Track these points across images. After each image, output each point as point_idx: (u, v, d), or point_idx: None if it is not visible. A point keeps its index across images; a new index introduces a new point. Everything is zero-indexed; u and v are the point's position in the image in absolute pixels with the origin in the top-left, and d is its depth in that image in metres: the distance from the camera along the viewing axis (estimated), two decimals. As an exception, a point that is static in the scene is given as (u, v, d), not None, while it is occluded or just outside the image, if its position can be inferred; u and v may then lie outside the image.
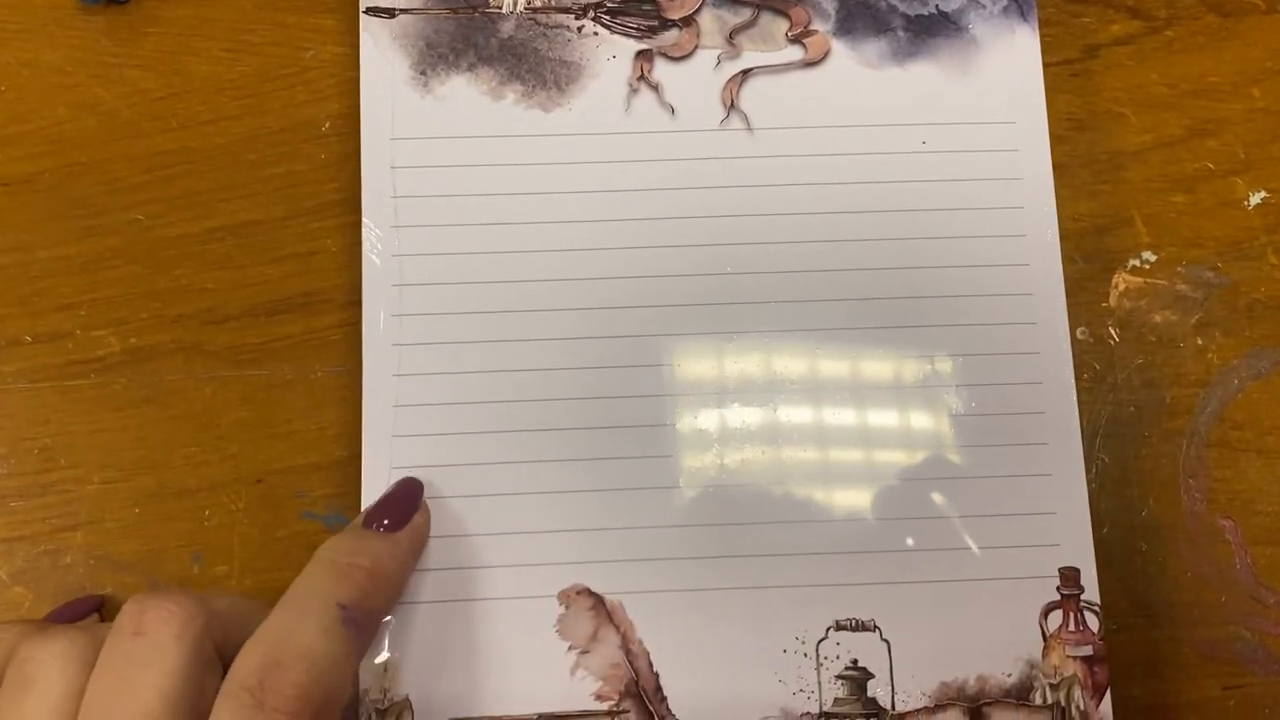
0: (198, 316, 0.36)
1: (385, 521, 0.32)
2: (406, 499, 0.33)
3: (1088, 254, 0.38)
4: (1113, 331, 0.37)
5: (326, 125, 0.37)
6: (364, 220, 0.35)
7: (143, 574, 0.35)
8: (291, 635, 0.27)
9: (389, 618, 0.33)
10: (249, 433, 0.36)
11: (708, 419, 0.35)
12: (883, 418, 0.35)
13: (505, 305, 0.35)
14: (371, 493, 0.34)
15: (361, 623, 0.28)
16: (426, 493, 0.34)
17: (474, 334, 0.35)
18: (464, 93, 0.36)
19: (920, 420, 0.35)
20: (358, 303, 0.35)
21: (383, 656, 0.32)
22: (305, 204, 0.37)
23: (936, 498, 0.35)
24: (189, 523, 0.35)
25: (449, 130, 0.36)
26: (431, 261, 0.35)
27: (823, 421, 0.35)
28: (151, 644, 0.27)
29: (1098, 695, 0.33)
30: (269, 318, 0.36)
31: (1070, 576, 0.34)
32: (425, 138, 0.36)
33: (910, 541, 0.34)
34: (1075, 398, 0.35)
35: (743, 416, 0.35)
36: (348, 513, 0.35)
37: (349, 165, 0.37)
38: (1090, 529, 0.34)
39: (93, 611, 0.34)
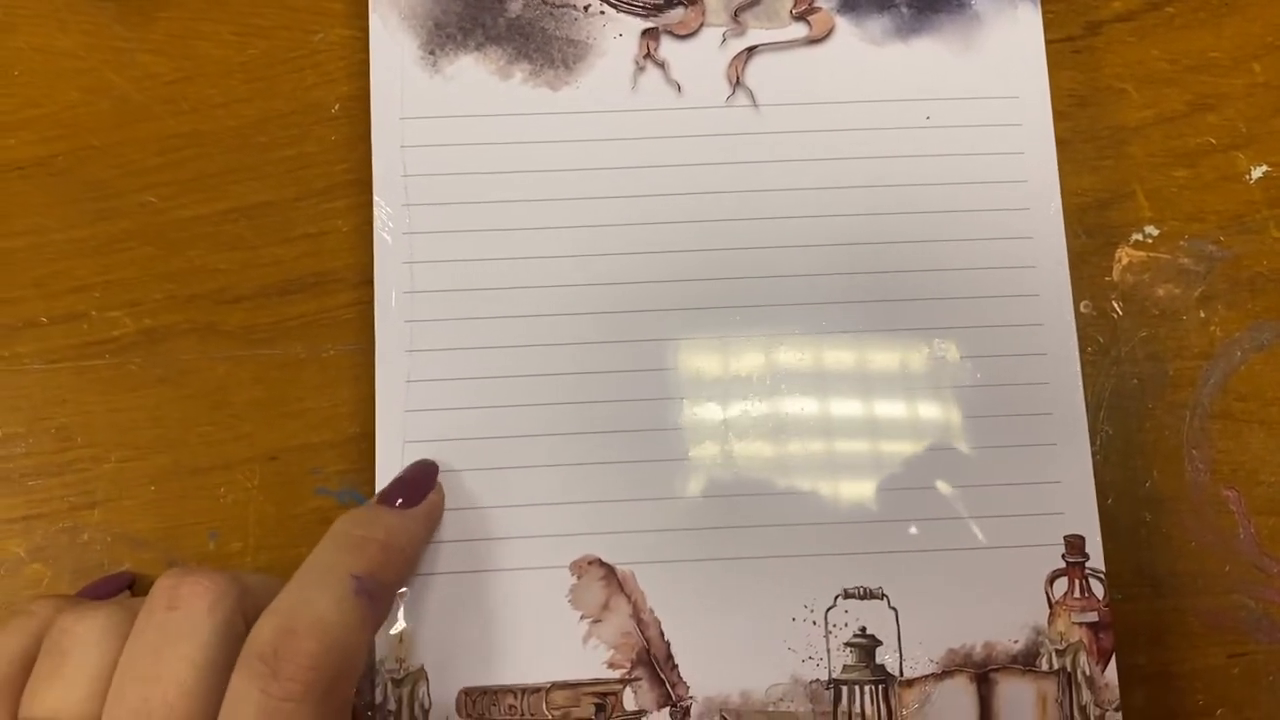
0: (211, 297, 0.37)
1: (400, 500, 0.32)
2: (422, 479, 0.33)
3: (1091, 228, 0.38)
4: (1116, 305, 0.37)
5: (336, 107, 0.38)
6: (375, 199, 0.36)
7: (160, 551, 0.35)
8: (306, 605, 0.27)
9: (404, 590, 0.33)
10: (263, 411, 0.36)
11: (716, 392, 0.35)
12: (889, 390, 0.35)
13: (515, 281, 0.35)
14: (385, 467, 0.34)
15: (375, 594, 0.29)
16: (441, 467, 0.34)
17: (484, 310, 0.35)
18: (472, 72, 0.37)
19: (925, 392, 0.35)
20: (369, 282, 0.35)
21: (398, 627, 0.33)
22: (316, 185, 0.37)
23: (942, 468, 0.35)
24: (205, 500, 0.35)
25: (458, 109, 0.36)
26: (442, 239, 0.35)
27: (828, 394, 0.35)
28: (184, 617, 0.27)
29: (1103, 661, 0.34)
30: (281, 297, 0.37)
31: (1075, 544, 0.34)
32: (435, 117, 0.36)
33: (916, 510, 0.34)
34: (1079, 368, 0.35)
35: (750, 390, 0.35)
36: (361, 489, 0.35)
37: (359, 146, 0.37)
38: (1095, 497, 0.35)
39: (125, 588, 0.34)
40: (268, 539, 0.35)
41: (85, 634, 0.28)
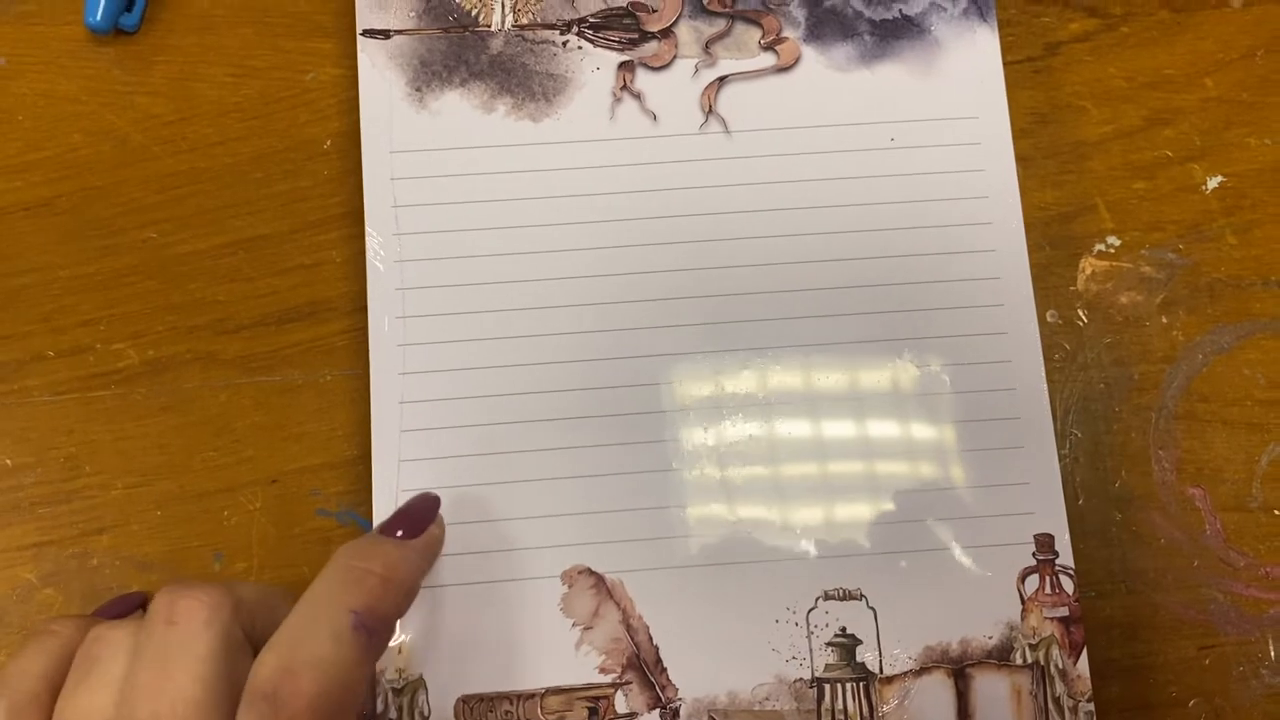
0: (211, 327, 0.38)
1: (400, 532, 0.32)
2: (423, 512, 0.33)
3: (1055, 241, 0.39)
4: (1081, 313, 0.38)
5: (328, 143, 0.39)
6: (367, 229, 0.37)
7: (167, 573, 0.36)
8: (304, 643, 0.28)
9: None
10: (263, 436, 0.37)
11: (697, 406, 0.36)
12: (862, 400, 0.36)
13: (503, 304, 0.36)
14: (382, 485, 0.35)
15: (374, 628, 0.29)
16: (435, 484, 0.35)
17: (474, 332, 0.36)
18: (458, 106, 0.38)
19: (897, 400, 0.36)
20: (362, 310, 0.36)
21: (398, 639, 0.34)
22: (310, 218, 0.38)
23: (915, 472, 0.36)
24: (209, 523, 0.36)
25: (445, 142, 0.37)
26: (432, 266, 0.37)
27: (804, 406, 0.36)
28: (184, 632, 0.28)
29: (1075, 653, 0.35)
30: (279, 326, 0.38)
31: (1045, 542, 0.35)
32: (422, 150, 0.37)
33: (892, 514, 0.36)
34: (1044, 373, 0.37)
35: (730, 403, 0.36)
36: (359, 509, 0.36)
37: (350, 180, 0.38)
38: (1062, 497, 0.36)
39: (138, 607, 0.34)
40: (270, 559, 0.36)
41: (118, 641, 0.28)
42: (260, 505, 0.36)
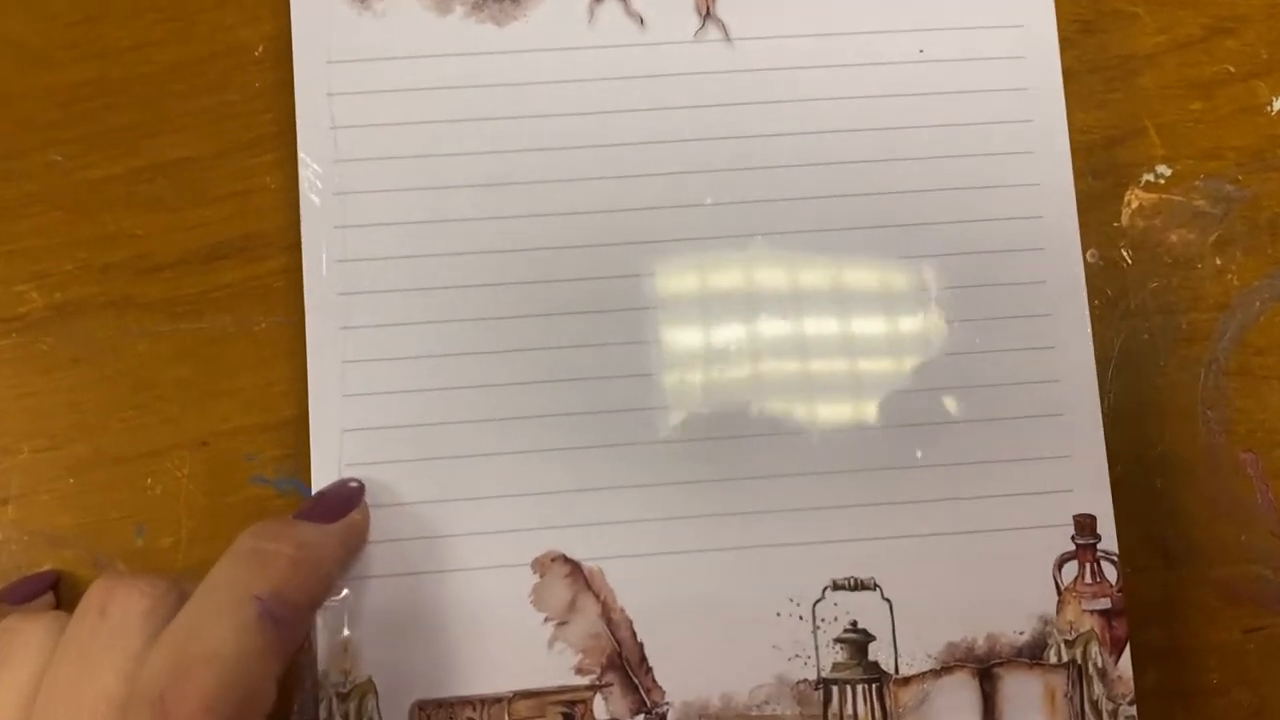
0: (128, 266, 0.36)
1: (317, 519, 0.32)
2: (344, 498, 0.33)
3: (1098, 169, 0.37)
4: (1125, 253, 0.37)
5: (260, 49, 0.37)
6: (300, 155, 0.35)
7: (82, 549, 0.35)
8: (199, 635, 0.27)
9: (345, 593, 0.33)
10: (190, 392, 0.35)
11: (690, 364, 0.35)
12: (879, 357, 0.35)
13: (463, 246, 0.35)
14: (322, 458, 0.34)
15: (282, 617, 0.28)
16: (384, 457, 0.34)
17: (429, 279, 0.35)
18: (407, 7, 0.36)
19: (920, 360, 0.35)
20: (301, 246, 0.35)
21: (342, 635, 0.33)
22: (240, 138, 0.36)
23: (939, 445, 0.35)
24: (130, 492, 0.35)
25: (392, 50, 0.35)
26: (377, 199, 0.35)
27: (812, 365, 0.35)
28: (117, 624, 0.27)
29: (1116, 651, 0.34)
30: (206, 264, 0.36)
31: (1086, 524, 0.34)
32: (365, 60, 0.35)
33: (911, 492, 0.34)
34: (1089, 330, 0.35)
35: (729, 360, 0.35)
36: (301, 475, 0.35)
37: (286, 93, 0.36)
38: (1106, 472, 0.35)
39: (48, 588, 0.34)
40: (200, 532, 0.35)
41: (30, 634, 0.28)
42: (188, 472, 0.35)
